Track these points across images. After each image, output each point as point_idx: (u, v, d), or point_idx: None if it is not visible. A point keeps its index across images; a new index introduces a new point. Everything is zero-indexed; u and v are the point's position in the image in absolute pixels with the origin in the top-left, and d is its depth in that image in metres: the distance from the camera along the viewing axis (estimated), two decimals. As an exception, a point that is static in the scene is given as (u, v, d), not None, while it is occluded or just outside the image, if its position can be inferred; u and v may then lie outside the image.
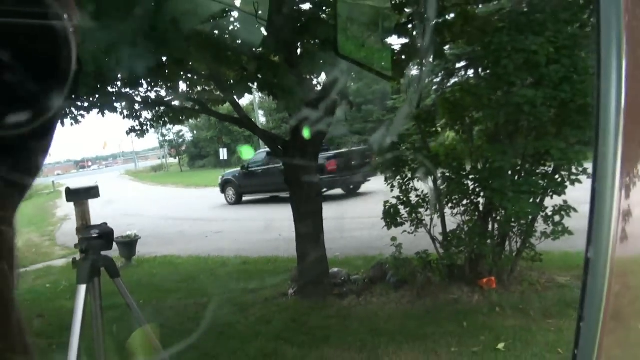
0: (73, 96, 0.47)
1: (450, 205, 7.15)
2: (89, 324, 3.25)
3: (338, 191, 16.97)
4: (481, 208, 6.97)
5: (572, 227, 6.26)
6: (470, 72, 9.60)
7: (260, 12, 5.34)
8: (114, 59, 4.95)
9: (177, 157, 53.44)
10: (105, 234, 3.39)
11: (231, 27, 6.44)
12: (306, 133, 6.67)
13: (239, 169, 20.83)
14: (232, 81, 7.14)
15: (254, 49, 6.18)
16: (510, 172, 6.52)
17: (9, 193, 0.53)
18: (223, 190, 20.60)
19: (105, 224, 3.49)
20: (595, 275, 0.82)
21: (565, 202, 6.32)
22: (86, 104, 7.29)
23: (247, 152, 7.33)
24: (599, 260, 0.82)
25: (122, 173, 53.20)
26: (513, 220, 6.47)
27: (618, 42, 0.83)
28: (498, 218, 6.81)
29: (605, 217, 0.81)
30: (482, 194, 6.78)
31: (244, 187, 19.74)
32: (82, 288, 3.18)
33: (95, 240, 3.33)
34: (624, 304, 0.98)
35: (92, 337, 3.31)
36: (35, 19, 0.42)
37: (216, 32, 6.24)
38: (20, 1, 0.42)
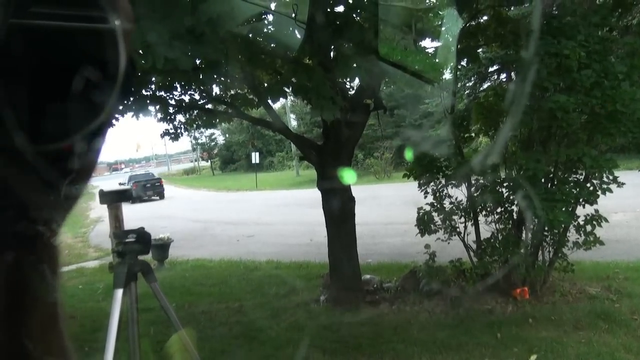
0: (125, 99, 0.45)
1: (484, 213, 7.04)
2: (125, 327, 3.25)
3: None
4: (515, 216, 6.86)
5: (601, 237, 6.16)
6: (503, 77, 9.53)
7: (293, 15, 5.33)
8: (150, 61, 4.95)
9: (209, 161, 53.86)
10: (143, 238, 3.37)
11: (265, 30, 6.43)
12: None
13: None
14: (266, 84, 7.15)
15: (288, 52, 6.17)
16: (543, 180, 6.41)
17: (54, 197, 0.51)
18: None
19: (143, 228, 3.47)
20: None
21: (596, 211, 6.20)
22: (121, 107, 7.36)
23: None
24: None
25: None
26: (546, 229, 6.36)
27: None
28: (532, 227, 6.69)
29: None
30: (516, 201, 6.68)
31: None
32: (119, 292, 3.17)
33: (132, 245, 3.32)
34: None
35: (127, 341, 3.31)
36: (84, 21, 0.41)
37: (251, 35, 6.23)
38: (69, 3, 0.40)
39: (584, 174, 6.24)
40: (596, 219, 6.19)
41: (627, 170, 8.19)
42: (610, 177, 5.97)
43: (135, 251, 3.32)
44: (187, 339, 3.36)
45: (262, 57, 6.47)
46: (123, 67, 0.44)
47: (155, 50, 4.82)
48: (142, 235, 3.37)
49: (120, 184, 27.92)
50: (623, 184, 6.02)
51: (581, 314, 6.09)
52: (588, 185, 6.15)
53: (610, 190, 5.95)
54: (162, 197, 29.79)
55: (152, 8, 5.01)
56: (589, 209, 6.22)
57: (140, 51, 4.87)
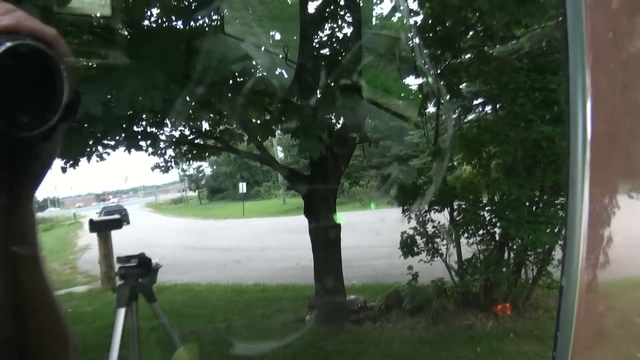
0: (66, 120, 0.62)
1: (466, 235, 7.30)
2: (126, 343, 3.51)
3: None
4: (497, 238, 7.11)
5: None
6: (488, 109, 9.79)
7: (281, 56, 5.62)
8: (148, 102, 5.24)
9: (197, 191, 53.93)
10: (144, 263, 3.66)
11: (253, 70, 6.72)
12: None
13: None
14: (256, 120, 7.44)
15: (277, 92, 6.45)
16: (527, 204, 6.67)
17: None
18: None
19: (143, 253, 3.76)
20: (566, 301, 0.90)
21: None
22: (112, 142, 7.51)
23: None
24: (569, 286, 0.90)
25: (142, 205, 53.69)
26: (529, 249, 6.60)
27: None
28: (514, 247, 6.94)
29: (575, 246, 0.89)
30: (498, 224, 6.94)
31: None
32: (122, 311, 3.44)
33: (134, 269, 3.60)
34: (609, 325, 1.07)
35: (129, 354, 3.55)
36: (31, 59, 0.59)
37: (242, 77, 6.53)
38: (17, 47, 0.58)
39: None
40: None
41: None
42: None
43: (137, 274, 3.61)
44: (192, 355, 3.60)
45: (252, 97, 6.75)
46: (65, 97, 0.61)
47: (154, 93, 5.12)
48: (143, 259, 3.68)
49: (96, 213, 28.18)
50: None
51: (565, 329, 6.27)
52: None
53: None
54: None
55: (151, 55, 5.36)
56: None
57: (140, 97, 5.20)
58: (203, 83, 5.42)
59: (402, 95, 6.96)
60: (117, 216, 6.07)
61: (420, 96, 7.79)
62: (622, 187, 1.01)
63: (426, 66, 8.05)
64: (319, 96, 6.29)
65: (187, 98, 5.97)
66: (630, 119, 1.00)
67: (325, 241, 7.47)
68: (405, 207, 7.66)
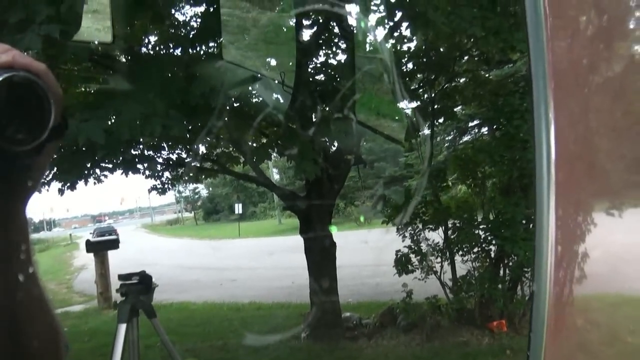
0: (54, 138, 0.74)
1: (460, 253, 7.39)
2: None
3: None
4: (492, 255, 7.20)
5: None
6: (484, 130, 9.91)
7: (276, 82, 5.76)
8: (148, 129, 5.39)
9: (193, 212, 53.95)
10: (144, 280, 3.78)
11: (253, 98, 6.88)
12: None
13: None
14: (252, 144, 7.58)
15: (273, 117, 6.59)
16: (524, 221, 6.77)
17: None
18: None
19: (144, 271, 3.89)
20: (538, 307, 0.93)
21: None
22: (110, 165, 7.61)
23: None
24: (539, 292, 0.90)
25: (138, 226, 53.61)
26: (525, 265, 6.68)
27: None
28: (510, 264, 7.03)
29: (543, 262, 0.90)
30: (493, 242, 7.03)
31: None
32: (123, 327, 3.55)
33: (135, 286, 3.71)
34: (594, 341, 1.09)
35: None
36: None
37: (239, 102, 6.69)
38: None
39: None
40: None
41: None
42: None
43: (138, 291, 3.72)
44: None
45: (249, 121, 6.90)
46: (53, 118, 0.73)
47: (153, 119, 5.26)
48: (144, 277, 3.81)
49: (90, 233, 28.21)
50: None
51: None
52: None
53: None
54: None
55: (150, 82, 5.51)
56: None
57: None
58: (202, 111, 5.60)
59: (396, 119, 7.10)
60: (114, 237, 6.17)
61: (414, 119, 7.95)
62: (601, 206, 1.04)
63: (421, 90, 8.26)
64: (314, 120, 6.43)
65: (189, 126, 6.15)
66: (608, 140, 1.05)
67: (321, 260, 7.55)
68: (399, 227, 7.76)
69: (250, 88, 6.42)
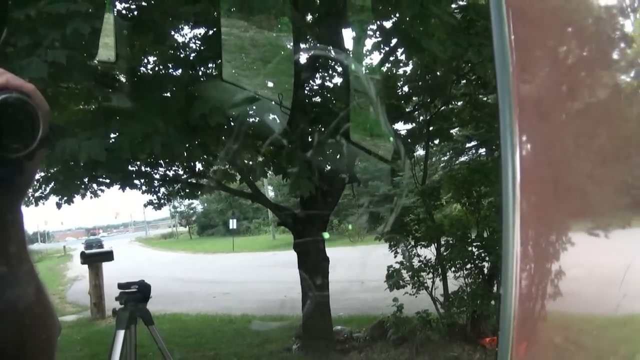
0: (42, 147, 0.87)
1: (453, 269, 7.52)
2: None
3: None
4: (485, 271, 7.33)
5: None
6: (482, 150, 10.05)
7: (274, 103, 5.92)
8: (148, 147, 5.56)
9: (187, 226, 53.84)
10: (143, 288, 3.93)
11: (250, 118, 7.05)
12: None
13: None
14: (248, 162, 7.75)
15: (270, 137, 6.75)
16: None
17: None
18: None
19: (143, 280, 4.05)
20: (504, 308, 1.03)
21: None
22: (108, 180, 7.75)
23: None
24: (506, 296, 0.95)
25: (132, 240, 53.40)
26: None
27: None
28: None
29: (509, 279, 0.95)
30: (487, 258, 7.16)
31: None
32: (121, 333, 3.70)
33: (134, 294, 3.87)
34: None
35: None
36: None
37: (238, 120, 6.85)
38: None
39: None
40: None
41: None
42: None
43: (137, 299, 3.89)
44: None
45: (246, 140, 7.07)
46: (41, 131, 0.88)
47: (153, 138, 5.42)
48: (142, 285, 3.97)
49: (82, 244, 28.26)
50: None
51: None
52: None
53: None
54: None
55: (150, 102, 5.68)
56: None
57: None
58: (201, 131, 5.76)
59: (389, 140, 7.28)
60: (109, 249, 6.28)
61: (409, 140, 8.13)
62: (581, 225, 1.06)
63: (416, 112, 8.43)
64: (310, 140, 6.60)
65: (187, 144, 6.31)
66: (589, 163, 1.09)
67: (314, 274, 7.66)
68: (391, 243, 7.89)
69: (248, 109, 6.58)
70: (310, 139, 6.67)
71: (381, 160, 7.81)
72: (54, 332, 1.03)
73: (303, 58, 7.04)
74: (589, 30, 1.22)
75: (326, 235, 7.87)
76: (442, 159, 15.13)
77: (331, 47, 6.95)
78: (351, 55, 6.70)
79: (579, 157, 1.08)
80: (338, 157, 6.59)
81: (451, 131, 9.47)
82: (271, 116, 6.39)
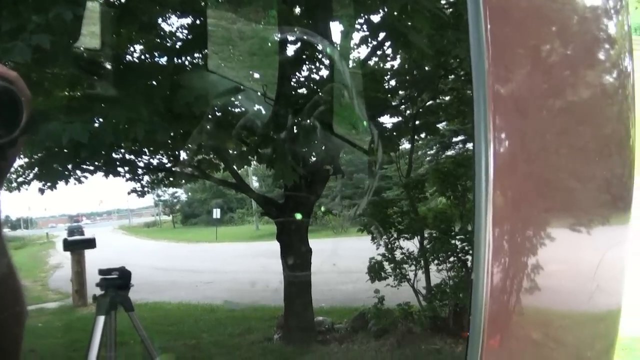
0: (25, 133, 0.91)
1: (436, 262, 7.58)
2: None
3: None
4: (469, 265, 7.38)
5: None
6: (469, 145, 10.09)
7: (259, 94, 5.94)
8: (132, 133, 5.56)
9: (171, 215, 53.57)
10: (124, 275, 3.96)
11: (236, 108, 7.06)
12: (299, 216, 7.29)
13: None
14: (232, 151, 7.75)
15: (255, 126, 6.77)
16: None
17: None
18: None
19: (124, 267, 4.08)
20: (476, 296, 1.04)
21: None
22: (92, 167, 7.75)
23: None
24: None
25: (115, 228, 52.98)
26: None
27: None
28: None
29: (480, 270, 1.04)
30: (470, 252, 7.21)
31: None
32: (101, 319, 3.73)
33: (115, 280, 3.89)
34: (559, 358, 1.18)
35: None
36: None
37: (222, 111, 6.86)
38: None
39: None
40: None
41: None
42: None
43: (117, 285, 3.91)
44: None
45: (230, 129, 7.07)
46: (24, 118, 0.92)
47: (137, 125, 5.42)
48: (123, 272, 4.00)
49: (65, 230, 28.08)
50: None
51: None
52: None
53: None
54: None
55: (135, 90, 5.67)
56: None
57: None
58: (186, 119, 5.76)
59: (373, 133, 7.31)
60: (91, 236, 6.26)
61: (394, 133, 8.15)
62: (561, 221, 1.09)
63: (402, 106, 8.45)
64: (295, 132, 6.62)
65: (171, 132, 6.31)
66: (570, 160, 1.11)
67: (296, 265, 7.70)
68: (373, 235, 7.94)
69: (233, 99, 6.58)
70: (294, 129, 6.69)
71: (361, 152, 7.88)
72: (21, 319, 1.05)
73: (290, 50, 7.08)
74: (572, 29, 1.23)
75: (298, 215, 7.88)
76: (429, 152, 15.21)
77: (318, 38, 6.96)
78: (338, 48, 6.71)
79: (559, 154, 1.09)
80: (322, 147, 6.62)
81: (438, 125, 9.51)
82: (255, 107, 6.42)
